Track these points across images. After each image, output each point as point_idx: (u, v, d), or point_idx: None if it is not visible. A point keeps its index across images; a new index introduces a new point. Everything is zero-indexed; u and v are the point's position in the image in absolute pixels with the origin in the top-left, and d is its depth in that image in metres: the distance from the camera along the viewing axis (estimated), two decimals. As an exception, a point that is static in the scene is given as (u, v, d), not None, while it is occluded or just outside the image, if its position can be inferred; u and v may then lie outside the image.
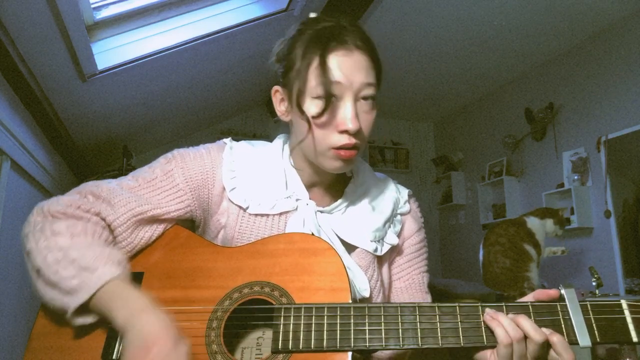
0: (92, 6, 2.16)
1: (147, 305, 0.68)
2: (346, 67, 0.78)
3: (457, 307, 0.70)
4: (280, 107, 0.86)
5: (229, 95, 3.87)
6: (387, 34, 3.48)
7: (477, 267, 2.82)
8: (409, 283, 0.93)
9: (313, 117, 0.78)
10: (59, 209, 0.77)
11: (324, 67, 0.77)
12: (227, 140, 0.89)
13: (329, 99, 0.77)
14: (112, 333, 0.73)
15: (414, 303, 0.71)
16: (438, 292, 2.52)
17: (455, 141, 5.17)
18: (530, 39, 3.58)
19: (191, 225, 0.89)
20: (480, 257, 2.75)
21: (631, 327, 0.66)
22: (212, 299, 0.75)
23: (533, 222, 2.77)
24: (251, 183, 0.84)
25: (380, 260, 0.89)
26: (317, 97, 0.78)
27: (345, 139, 0.78)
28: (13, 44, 1.68)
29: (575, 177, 3.51)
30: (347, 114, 0.77)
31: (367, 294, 0.82)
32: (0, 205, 1.68)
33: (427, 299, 0.93)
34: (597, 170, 3.42)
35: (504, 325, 0.66)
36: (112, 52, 2.32)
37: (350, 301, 0.72)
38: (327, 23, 0.82)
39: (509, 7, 3.14)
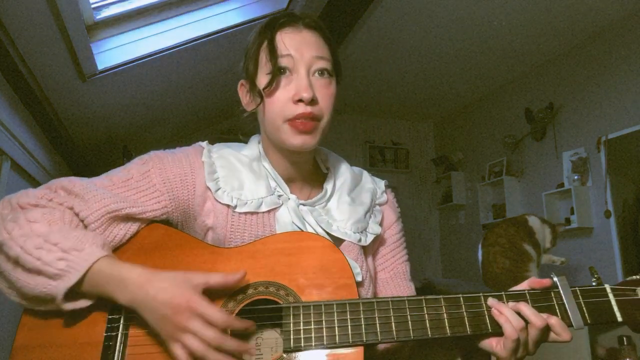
0: (92, 6, 2.16)
1: (147, 274, 0.68)
2: (296, 42, 0.83)
3: (461, 297, 0.73)
4: (246, 98, 0.89)
5: (229, 95, 3.85)
6: (387, 34, 3.47)
7: (477, 267, 2.82)
8: (394, 273, 0.95)
9: (264, 89, 0.81)
10: (30, 201, 0.74)
11: (272, 42, 0.82)
12: (204, 144, 0.90)
13: (277, 70, 0.81)
14: (108, 343, 0.69)
15: (420, 296, 0.73)
16: (438, 293, 2.51)
17: (455, 141, 5.17)
18: (530, 39, 3.58)
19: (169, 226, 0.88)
20: (479, 257, 2.75)
21: (615, 308, 0.74)
22: (216, 302, 0.73)
23: (534, 221, 2.77)
24: (234, 183, 0.84)
25: (365, 251, 0.90)
26: (269, 73, 0.82)
27: (300, 108, 0.80)
28: (13, 44, 1.69)
29: (575, 177, 3.51)
30: (300, 83, 0.81)
31: (360, 278, 0.84)
32: (0, 205, 1.68)
33: (411, 287, 0.95)
34: (597, 170, 3.41)
35: (510, 320, 0.69)
36: (112, 52, 2.32)
37: (358, 297, 0.73)
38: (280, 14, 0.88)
39: (509, 7, 3.14)
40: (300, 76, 0.81)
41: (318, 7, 2.86)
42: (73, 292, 0.68)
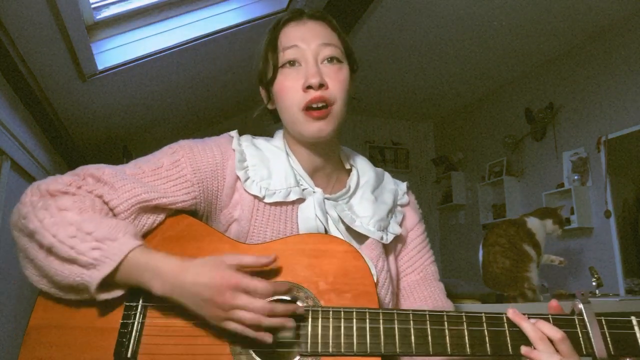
0: (92, 6, 2.16)
1: (181, 262, 0.68)
2: (300, 33, 0.85)
3: (484, 316, 0.70)
4: (265, 97, 0.92)
5: (229, 95, 3.87)
6: (387, 34, 3.47)
7: (477, 267, 2.82)
8: (424, 274, 0.94)
9: (271, 79, 0.85)
10: (59, 188, 0.74)
11: (275, 38, 0.86)
12: (234, 133, 0.90)
13: (276, 63, 0.84)
14: (124, 329, 0.69)
15: (442, 310, 0.71)
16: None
17: (455, 141, 5.17)
18: (530, 39, 3.58)
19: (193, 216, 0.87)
20: (480, 257, 2.75)
21: None
22: None
23: (533, 223, 2.76)
24: (263, 172, 0.84)
25: (386, 250, 0.90)
26: (281, 66, 0.85)
27: (311, 94, 0.81)
28: (13, 44, 1.68)
29: (575, 177, 3.51)
30: (308, 71, 0.82)
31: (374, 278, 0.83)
32: (0, 206, 1.68)
33: (441, 286, 0.95)
34: (597, 170, 3.42)
35: (531, 327, 0.68)
36: (112, 52, 2.32)
37: (378, 305, 0.73)
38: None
39: (509, 7, 3.14)
40: (308, 64, 0.83)
41: (318, 7, 2.86)
42: (107, 282, 0.68)
